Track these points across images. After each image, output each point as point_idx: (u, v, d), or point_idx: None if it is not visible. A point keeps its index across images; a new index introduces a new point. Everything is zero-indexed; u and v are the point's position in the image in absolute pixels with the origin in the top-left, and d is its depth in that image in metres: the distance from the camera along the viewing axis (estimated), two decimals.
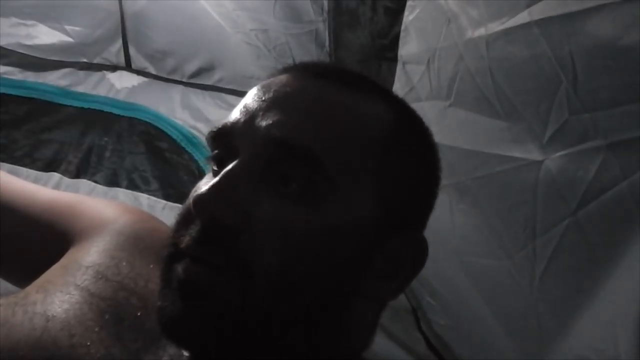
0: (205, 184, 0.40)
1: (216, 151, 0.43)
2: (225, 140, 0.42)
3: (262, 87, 0.43)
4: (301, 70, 0.45)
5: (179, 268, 0.38)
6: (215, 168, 0.42)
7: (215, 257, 0.38)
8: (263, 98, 0.42)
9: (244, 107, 0.43)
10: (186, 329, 0.38)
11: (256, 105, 0.42)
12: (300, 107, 0.41)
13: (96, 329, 0.43)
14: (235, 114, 0.42)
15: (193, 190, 0.42)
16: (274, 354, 0.40)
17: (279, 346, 0.40)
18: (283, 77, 0.44)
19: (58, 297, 0.45)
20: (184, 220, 0.40)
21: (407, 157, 0.44)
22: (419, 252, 0.45)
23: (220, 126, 0.43)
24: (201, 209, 0.38)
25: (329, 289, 0.40)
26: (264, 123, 0.40)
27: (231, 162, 0.40)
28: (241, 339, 0.38)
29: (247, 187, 0.39)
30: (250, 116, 0.41)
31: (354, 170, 0.41)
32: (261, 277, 0.37)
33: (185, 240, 0.39)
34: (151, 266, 0.49)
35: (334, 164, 0.39)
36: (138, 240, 0.52)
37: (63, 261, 0.51)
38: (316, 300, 0.40)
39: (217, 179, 0.39)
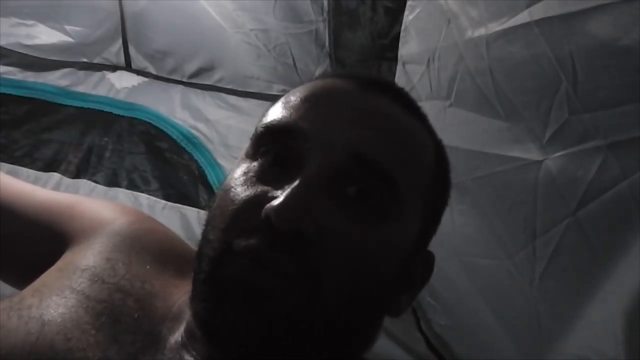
0: (252, 176, 0.41)
1: (264, 148, 0.42)
2: (287, 139, 0.42)
3: (323, 93, 0.44)
4: (354, 79, 0.46)
5: (237, 268, 0.38)
6: (264, 162, 0.42)
7: (287, 264, 0.37)
8: (331, 107, 0.42)
9: (309, 111, 0.42)
10: (241, 332, 0.37)
11: (325, 114, 0.42)
12: (376, 125, 0.42)
13: (93, 332, 0.43)
14: (294, 115, 0.42)
15: (231, 182, 0.42)
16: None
17: (318, 355, 0.40)
18: (342, 85, 0.45)
19: (54, 300, 0.45)
20: (240, 223, 0.40)
21: (442, 182, 0.47)
22: (430, 266, 0.47)
23: (279, 124, 0.42)
24: (284, 218, 0.37)
25: (376, 301, 0.42)
26: (342, 135, 0.40)
27: (296, 165, 0.40)
28: (293, 348, 0.38)
29: (321, 198, 0.39)
30: (320, 123, 0.41)
31: (416, 193, 0.43)
32: (329, 289, 0.38)
33: (249, 242, 0.38)
34: (148, 267, 0.49)
35: (405, 185, 0.41)
36: (135, 241, 0.52)
37: (59, 264, 0.51)
38: (365, 312, 0.41)
39: (294, 188, 0.38)
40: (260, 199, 0.39)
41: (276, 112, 0.44)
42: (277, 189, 0.39)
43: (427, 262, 0.47)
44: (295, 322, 0.38)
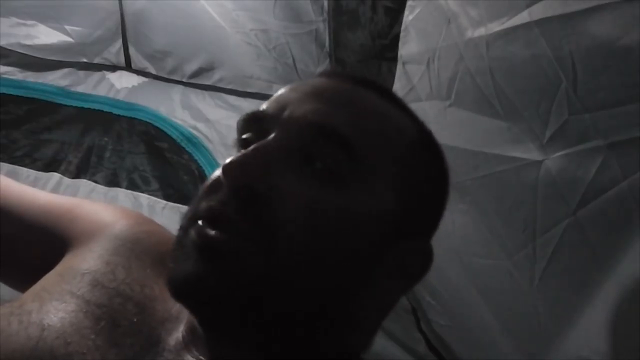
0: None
1: (244, 135, 0.44)
2: (256, 125, 0.44)
3: (298, 83, 0.46)
4: (337, 75, 0.48)
5: (196, 229, 0.39)
6: (242, 150, 0.43)
7: (240, 219, 0.38)
8: (300, 90, 0.44)
9: (278, 97, 0.45)
10: (201, 288, 0.38)
11: (292, 95, 0.44)
12: (335, 99, 0.43)
13: (92, 336, 0.43)
14: (268, 104, 0.44)
15: (214, 171, 0.43)
16: (278, 331, 0.40)
17: (285, 323, 0.40)
18: (319, 78, 0.47)
19: (54, 305, 0.45)
20: (206, 191, 0.41)
21: (425, 168, 0.46)
22: (427, 260, 0.46)
23: (252, 112, 0.45)
24: (231, 173, 0.39)
25: (343, 273, 0.41)
26: (299, 109, 0.42)
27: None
28: (253, 307, 0.38)
29: (277, 160, 0.40)
30: (284, 105, 0.43)
31: (380, 164, 0.42)
32: (284, 249, 0.38)
33: (208, 202, 0.40)
34: (147, 270, 0.49)
35: (363, 152, 0.41)
36: (135, 244, 0.52)
37: (59, 268, 0.51)
38: (329, 282, 0.41)
39: (250, 148, 0.40)
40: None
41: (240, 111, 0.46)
42: None
43: (425, 254, 0.46)
44: (255, 278, 0.38)
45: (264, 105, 0.45)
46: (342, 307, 0.42)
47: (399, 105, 0.48)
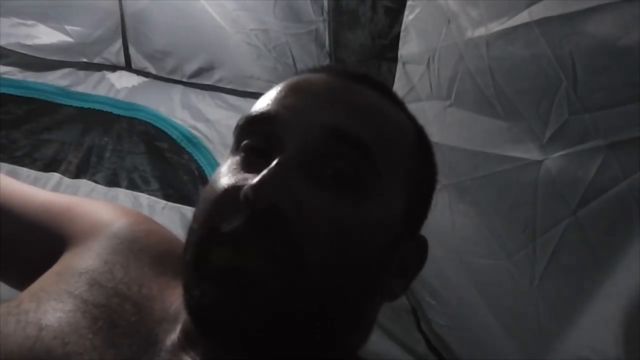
0: (234, 170, 0.41)
1: (247, 140, 0.43)
2: (264, 128, 0.42)
3: (301, 82, 0.45)
4: (337, 72, 0.47)
5: (221, 255, 0.38)
6: (245, 155, 0.42)
7: (269, 242, 0.37)
8: (309, 92, 0.43)
9: (283, 99, 0.43)
10: (228, 317, 0.37)
11: (302, 99, 0.43)
12: (351, 103, 0.43)
13: (90, 336, 0.43)
14: (272, 105, 0.43)
15: (217, 176, 0.42)
16: (290, 339, 0.39)
17: (309, 338, 0.40)
18: (320, 76, 0.46)
19: (51, 305, 0.45)
20: (222, 208, 0.40)
21: (425, 165, 0.47)
22: (423, 252, 0.47)
23: (258, 113, 0.43)
24: (260, 195, 0.37)
25: (358, 280, 0.41)
26: (315, 117, 0.41)
27: (276, 151, 0.40)
28: (282, 329, 0.38)
29: (299, 176, 0.39)
30: (297, 108, 0.42)
31: (395, 169, 0.43)
32: (312, 266, 0.38)
33: (230, 225, 0.38)
34: (146, 269, 0.49)
35: (382, 159, 0.41)
36: (133, 243, 0.52)
37: (57, 267, 0.51)
38: (356, 291, 0.41)
39: (272, 166, 0.39)
40: (241, 185, 0.39)
41: (256, 106, 0.44)
42: (258, 174, 0.39)
43: (420, 247, 0.47)
44: (282, 303, 0.37)
45: (267, 107, 0.43)
46: (351, 311, 0.42)
47: (395, 100, 0.48)
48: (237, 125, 0.44)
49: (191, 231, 0.42)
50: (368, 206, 0.40)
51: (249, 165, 0.42)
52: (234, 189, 0.40)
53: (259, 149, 0.42)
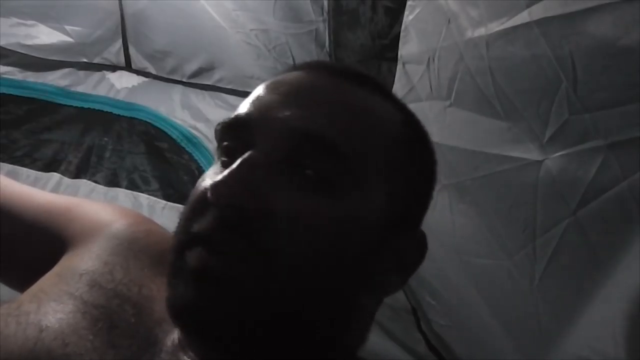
0: (216, 173, 0.41)
1: (226, 143, 0.43)
2: (238, 131, 0.42)
3: (276, 82, 0.44)
4: (315, 68, 0.46)
5: (192, 256, 0.38)
6: (224, 159, 0.42)
7: (235, 242, 0.38)
8: (279, 91, 0.43)
9: (257, 100, 0.43)
10: (202, 317, 0.38)
11: (273, 99, 0.42)
12: (321, 101, 0.42)
13: (90, 337, 0.43)
14: (248, 107, 0.43)
15: (200, 180, 0.43)
16: (285, 344, 0.40)
17: (284, 334, 0.40)
18: (297, 73, 0.45)
19: (51, 306, 0.45)
20: (195, 209, 0.40)
21: (413, 157, 0.45)
22: (421, 247, 0.46)
23: (232, 118, 0.43)
24: (220, 193, 0.38)
25: (341, 279, 0.41)
26: (284, 115, 0.41)
27: (246, 152, 0.40)
28: (254, 327, 0.38)
29: (266, 175, 0.39)
30: (268, 109, 0.42)
31: (370, 164, 0.41)
32: (280, 267, 0.38)
33: (200, 226, 0.39)
34: (145, 270, 0.49)
35: (355, 157, 0.40)
36: (132, 244, 0.52)
37: (57, 269, 0.51)
38: (329, 290, 0.40)
39: (235, 165, 0.39)
40: None
41: (235, 111, 0.45)
42: None
43: (419, 242, 0.46)
44: (250, 303, 0.37)
45: (243, 109, 0.43)
46: (342, 311, 0.42)
47: (381, 92, 0.46)
48: (215, 130, 0.44)
49: (174, 234, 0.42)
50: (341, 205, 0.39)
51: (228, 167, 0.42)
52: (206, 191, 0.40)
53: (237, 151, 0.41)
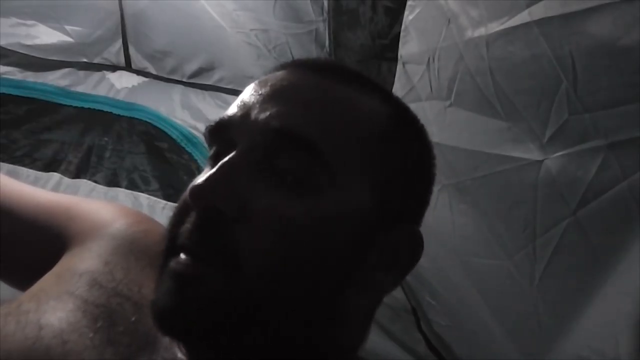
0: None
1: (214, 147, 0.43)
2: (222, 134, 0.43)
3: (259, 82, 0.44)
4: (298, 66, 0.46)
5: (173, 262, 0.39)
6: (211, 162, 0.43)
7: (203, 247, 0.38)
8: (260, 92, 0.43)
9: (241, 102, 0.43)
10: (178, 320, 0.38)
11: (253, 99, 0.42)
12: (298, 99, 0.42)
13: (90, 335, 0.43)
14: (232, 109, 0.43)
15: (190, 184, 0.43)
16: (269, 346, 0.40)
17: (274, 338, 0.40)
18: (280, 73, 0.45)
19: (51, 305, 0.45)
20: (180, 215, 0.41)
21: (401, 151, 0.45)
22: (416, 245, 0.45)
23: (217, 121, 0.43)
24: (197, 197, 0.38)
25: (323, 279, 0.40)
26: (261, 115, 0.41)
27: (229, 154, 0.40)
28: (233, 330, 0.38)
29: (244, 177, 0.39)
30: (247, 109, 0.42)
31: (351, 161, 0.41)
32: (249, 267, 0.38)
33: (182, 231, 0.39)
34: (146, 269, 0.49)
35: (332, 153, 0.40)
36: (133, 244, 0.52)
37: (57, 268, 0.51)
38: (309, 290, 0.40)
39: (214, 169, 0.39)
40: None
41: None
42: None
43: (412, 239, 0.45)
44: (224, 303, 0.37)
45: (228, 111, 0.43)
46: (330, 309, 0.42)
47: (368, 85, 0.46)
48: (204, 134, 0.45)
49: (164, 239, 0.42)
50: (319, 202, 0.39)
51: None
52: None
53: (222, 154, 0.42)
